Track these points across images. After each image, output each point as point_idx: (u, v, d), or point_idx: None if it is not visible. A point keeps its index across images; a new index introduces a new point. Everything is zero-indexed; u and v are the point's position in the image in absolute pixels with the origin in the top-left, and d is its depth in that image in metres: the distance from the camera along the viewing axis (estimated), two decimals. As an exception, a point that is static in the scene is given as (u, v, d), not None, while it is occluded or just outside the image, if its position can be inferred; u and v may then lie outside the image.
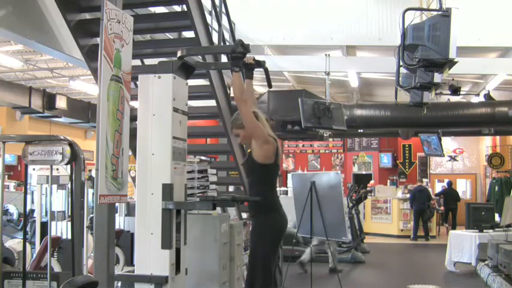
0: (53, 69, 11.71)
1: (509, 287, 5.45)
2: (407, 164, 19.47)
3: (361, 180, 17.22)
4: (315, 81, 12.81)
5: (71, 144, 3.89)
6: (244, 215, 6.35)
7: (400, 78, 6.29)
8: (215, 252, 4.68)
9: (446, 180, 17.19)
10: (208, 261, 4.64)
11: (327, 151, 20.66)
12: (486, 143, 18.47)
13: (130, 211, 7.77)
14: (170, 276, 3.28)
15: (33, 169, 5.95)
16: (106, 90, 3.33)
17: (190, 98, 4.08)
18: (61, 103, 12.93)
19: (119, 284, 4.53)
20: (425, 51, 5.24)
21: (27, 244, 5.12)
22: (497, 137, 16.96)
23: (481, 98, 12.35)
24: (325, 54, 10.14)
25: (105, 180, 3.30)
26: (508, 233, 7.34)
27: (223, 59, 5.90)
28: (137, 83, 3.73)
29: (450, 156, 19.35)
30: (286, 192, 13.87)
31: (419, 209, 14.16)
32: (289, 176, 15.94)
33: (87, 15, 5.15)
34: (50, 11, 5.62)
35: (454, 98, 11.56)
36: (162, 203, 3.30)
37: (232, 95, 4.85)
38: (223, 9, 7.14)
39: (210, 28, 5.76)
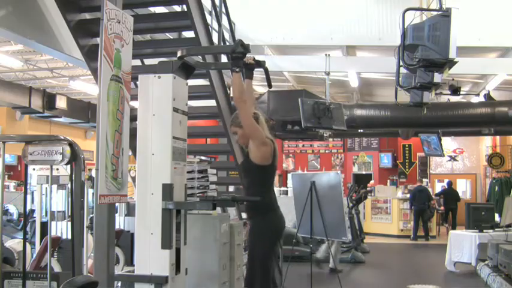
0: (53, 69, 11.72)
1: (509, 287, 5.45)
2: (407, 164, 19.47)
3: (361, 180, 17.22)
4: (315, 81, 12.81)
5: (71, 144, 3.89)
6: (244, 215, 6.35)
7: (400, 78, 6.29)
8: (215, 252, 4.68)
9: (446, 180, 17.18)
10: (208, 261, 4.64)
11: (327, 151, 20.66)
12: (486, 143, 18.47)
13: (130, 211, 7.78)
14: (170, 276, 3.28)
15: (33, 169, 5.94)
16: (106, 90, 3.33)
17: (190, 98, 4.08)
18: (61, 103, 12.94)
19: (119, 284, 4.53)
20: (425, 51, 5.24)
21: (27, 244, 5.12)
22: (497, 137, 16.96)
23: (481, 98, 12.35)
24: (325, 54, 10.14)
25: (105, 180, 3.30)
26: (508, 233, 7.34)
27: (223, 59, 5.90)
28: (137, 83, 3.72)
29: (450, 156, 19.35)
30: (286, 192, 13.88)
31: (419, 209, 14.16)
32: (289, 176, 15.96)
33: (87, 15, 5.16)
34: (50, 11, 5.63)
35: (454, 98, 11.56)
36: (162, 203, 3.30)
37: (232, 95, 4.85)
38: (223, 9, 7.14)
39: (210, 28, 5.77)
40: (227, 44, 7.45)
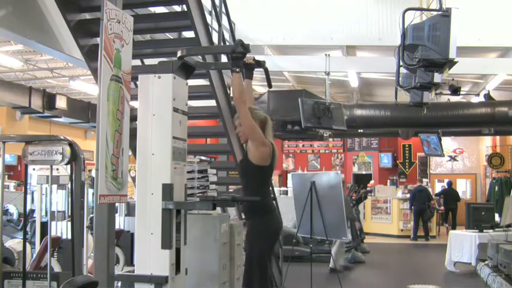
0: (53, 69, 11.72)
1: (509, 287, 5.45)
2: (407, 164, 19.47)
3: (361, 180, 17.22)
4: (315, 81, 12.81)
5: (71, 144, 3.89)
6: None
7: (400, 78, 6.29)
8: (215, 252, 4.68)
9: (446, 180, 17.18)
10: (208, 261, 4.64)
11: (327, 151, 20.67)
12: (486, 143, 18.47)
13: (130, 211, 7.78)
14: (170, 276, 3.28)
15: (33, 169, 5.94)
16: (106, 90, 3.33)
17: (190, 98, 4.08)
18: (61, 103, 12.94)
19: (119, 284, 4.53)
20: (425, 51, 5.24)
21: (27, 244, 5.11)
22: (497, 137, 16.97)
23: (481, 98, 12.35)
24: (325, 54, 10.14)
25: (105, 180, 3.30)
26: (508, 233, 7.34)
27: (223, 59, 5.90)
28: (137, 83, 3.72)
29: (450, 156, 19.35)
30: (286, 192, 13.87)
31: (419, 209, 14.16)
32: (289, 176, 15.96)
33: (87, 15, 5.15)
34: (50, 11, 5.63)
35: (454, 98, 11.56)
36: (162, 203, 3.30)
37: (232, 95, 4.85)
38: (223, 9, 7.14)
39: (210, 28, 5.76)
40: (227, 44, 7.45)
